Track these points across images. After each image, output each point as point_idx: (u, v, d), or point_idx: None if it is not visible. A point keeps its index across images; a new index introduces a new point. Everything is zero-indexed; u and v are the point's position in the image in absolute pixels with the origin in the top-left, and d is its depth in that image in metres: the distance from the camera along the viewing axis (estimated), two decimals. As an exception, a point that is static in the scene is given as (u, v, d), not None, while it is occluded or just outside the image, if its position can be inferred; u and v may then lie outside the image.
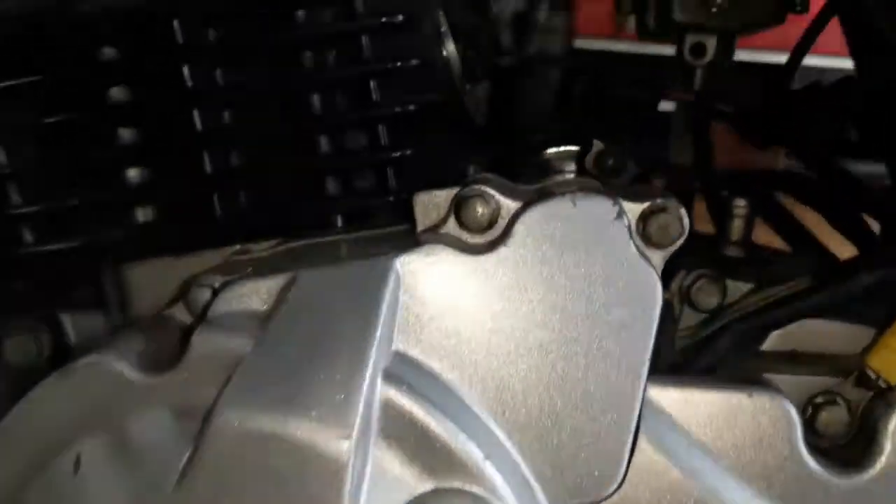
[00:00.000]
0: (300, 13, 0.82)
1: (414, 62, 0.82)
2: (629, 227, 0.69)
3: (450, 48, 0.84)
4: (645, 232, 0.70)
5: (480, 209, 0.71)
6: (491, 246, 0.69)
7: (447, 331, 0.68)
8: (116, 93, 0.83)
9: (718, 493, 0.70)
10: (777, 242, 1.12)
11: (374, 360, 0.62)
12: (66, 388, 0.67)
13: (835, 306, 0.79)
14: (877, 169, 1.01)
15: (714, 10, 0.98)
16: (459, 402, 0.67)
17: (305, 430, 0.59)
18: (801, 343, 0.80)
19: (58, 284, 0.89)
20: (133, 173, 0.84)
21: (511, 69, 1.63)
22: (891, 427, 0.72)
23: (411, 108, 0.83)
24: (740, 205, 0.98)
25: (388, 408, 0.63)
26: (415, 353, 0.67)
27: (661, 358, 0.72)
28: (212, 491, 0.61)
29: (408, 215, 0.76)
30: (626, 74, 1.30)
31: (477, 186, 0.71)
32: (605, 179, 0.88)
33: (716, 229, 1.07)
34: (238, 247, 0.84)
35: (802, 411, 0.75)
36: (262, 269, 0.74)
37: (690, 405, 0.70)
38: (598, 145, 0.90)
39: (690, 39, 1.03)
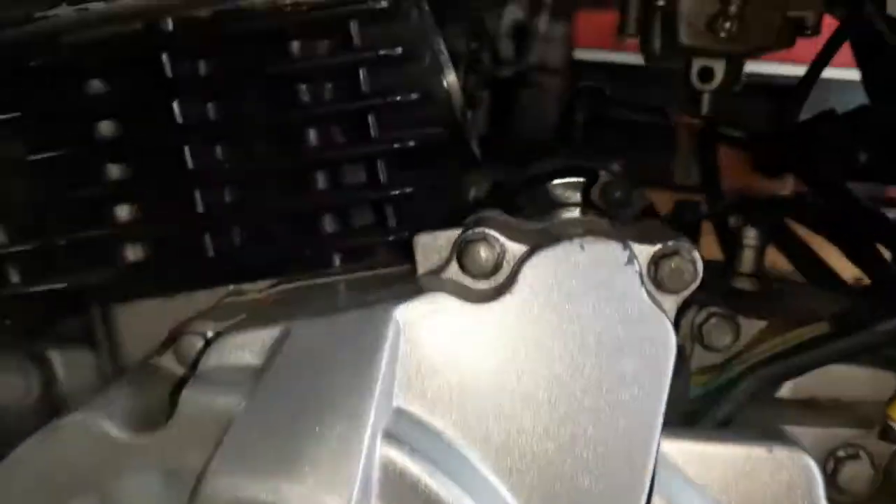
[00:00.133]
0: (295, 45, 0.79)
1: (414, 95, 0.79)
2: (640, 273, 0.66)
3: (450, 78, 0.81)
4: (657, 277, 0.66)
5: (485, 254, 0.67)
6: (496, 293, 0.66)
7: (450, 385, 0.64)
8: (104, 127, 0.80)
9: (735, 555, 0.66)
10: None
11: (374, 420, 0.59)
12: (51, 449, 0.64)
13: (860, 353, 0.76)
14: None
15: (722, 34, 0.95)
16: (464, 462, 0.63)
17: (300, 499, 0.56)
18: (820, 388, 0.77)
19: (45, 322, 0.87)
20: (122, 211, 0.82)
21: (511, 80, 1.61)
22: (916, 482, 0.69)
23: (411, 143, 0.80)
24: (751, 235, 0.95)
25: (389, 470, 0.59)
26: (416, 409, 0.64)
27: (674, 403, 0.69)
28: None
29: (408, 254, 0.73)
30: (630, 93, 1.27)
31: (480, 230, 0.67)
32: (611, 212, 0.85)
33: (725, 258, 1.04)
34: (231, 287, 0.81)
35: (823, 466, 0.72)
36: (255, 316, 0.70)
37: (706, 460, 0.67)
38: (604, 177, 0.87)
39: (698, 64, 1.00)
